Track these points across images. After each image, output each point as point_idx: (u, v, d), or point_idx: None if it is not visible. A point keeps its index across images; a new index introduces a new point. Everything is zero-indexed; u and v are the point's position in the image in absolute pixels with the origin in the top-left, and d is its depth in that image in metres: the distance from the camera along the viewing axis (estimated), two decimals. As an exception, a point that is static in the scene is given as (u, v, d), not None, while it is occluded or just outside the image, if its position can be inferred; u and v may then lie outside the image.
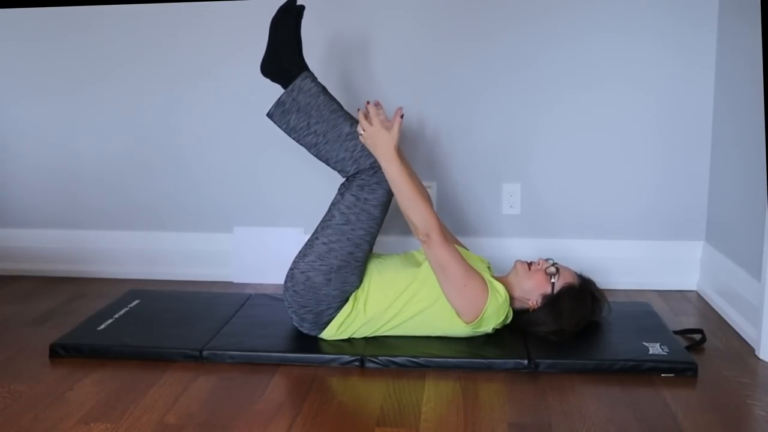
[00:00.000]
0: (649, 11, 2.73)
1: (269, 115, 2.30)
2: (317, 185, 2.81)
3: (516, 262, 2.35)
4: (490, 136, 2.86)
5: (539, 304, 2.28)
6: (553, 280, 2.27)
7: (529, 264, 2.33)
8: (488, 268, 2.41)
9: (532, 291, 2.28)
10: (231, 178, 2.98)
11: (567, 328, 2.24)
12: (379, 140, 2.18)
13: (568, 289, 2.27)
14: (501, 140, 2.86)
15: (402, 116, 2.21)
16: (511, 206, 2.89)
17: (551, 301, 2.26)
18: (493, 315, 2.21)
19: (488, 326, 2.24)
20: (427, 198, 2.32)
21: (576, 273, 2.34)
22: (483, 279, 2.21)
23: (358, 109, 2.25)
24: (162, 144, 2.99)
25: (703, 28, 2.72)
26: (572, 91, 2.80)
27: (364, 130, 2.20)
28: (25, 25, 2.97)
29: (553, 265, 2.30)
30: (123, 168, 3.02)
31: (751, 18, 2.38)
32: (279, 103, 2.28)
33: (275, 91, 2.34)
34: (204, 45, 2.90)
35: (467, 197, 2.91)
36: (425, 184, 2.89)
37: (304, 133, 2.27)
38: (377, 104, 2.27)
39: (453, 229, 2.90)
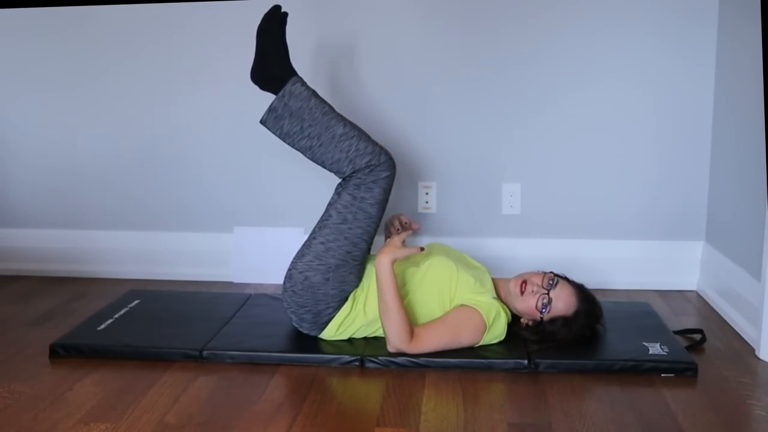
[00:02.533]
0: (650, 10, 2.73)
1: (262, 122, 2.30)
2: (317, 185, 2.81)
3: (511, 280, 2.29)
4: (490, 136, 2.86)
5: (530, 325, 2.26)
6: (542, 313, 2.22)
7: (524, 284, 2.24)
8: (487, 272, 2.39)
9: (522, 314, 2.27)
10: (231, 178, 2.98)
11: (558, 344, 2.22)
12: (391, 248, 2.19)
13: (558, 319, 2.22)
14: (501, 140, 2.86)
15: (422, 249, 2.25)
16: (511, 206, 2.89)
17: (540, 328, 2.23)
18: (495, 334, 2.22)
19: (495, 338, 2.23)
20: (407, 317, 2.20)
21: (575, 291, 2.25)
22: (470, 313, 2.18)
23: (392, 226, 2.47)
24: (162, 144, 2.99)
25: (704, 27, 2.72)
26: (572, 90, 2.80)
27: (390, 236, 2.39)
28: (25, 25, 2.97)
29: (548, 291, 2.22)
30: (123, 168, 3.02)
31: (752, 16, 2.38)
32: (271, 109, 2.28)
33: (275, 91, 2.35)
34: (205, 44, 2.90)
35: (467, 197, 2.91)
36: (425, 184, 2.90)
37: (298, 138, 2.28)
38: (408, 229, 2.41)
39: (453, 229, 2.90)
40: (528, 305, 2.23)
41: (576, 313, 2.22)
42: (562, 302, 2.22)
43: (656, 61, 2.75)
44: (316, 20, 2.83)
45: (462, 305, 2.21)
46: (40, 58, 2.98)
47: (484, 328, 2.19)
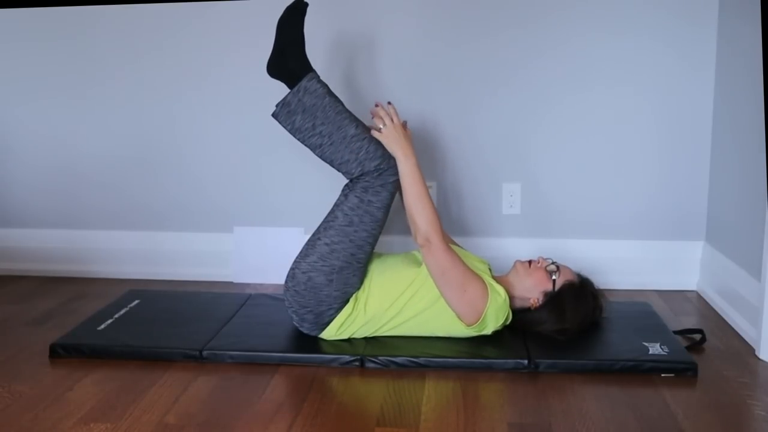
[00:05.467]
0: (650, 11, 2.73)
1: (274, 115, 2.30)
2: (318, 185, 2.81)
3: (515, 261, 2.37)
4: (490, 136, 2.86)
5: (541, 302, 2.28)
6: (554, 278, 2.28)
7: (529, 262, 2.35)
8: (489, 269, 2.41)
9: (533, 289, 2.29)
10: (231, 178, 2.98)
11: (571, 326, 2.25)
12: (399, 137, 2.24)
13: (569, 286, 2.28)
14: (501, 140, 2.86)
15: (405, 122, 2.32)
16: (511, 206, 2.89)
17: (553, 298, 2.27)
18: (493, 316, 2.21)
19: (488, 328, 2.24)
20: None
21: (575, 272, 2.35)
22: (483, 281, 2.21)
23: (374, 110, 2.30)
24: (162, 144, 2.99)
25: (703, 28, 2.72)
26: (572, 91, 2.80)
27: (384, 125, 2.25)
28: (26, 25, 2.97)
29: (553, 263, 2.32)
30: (123, 168, 3.02)
31: (751, 17, 2.38)
32: (284, 103, 2.27)
33: (275, 91, 2.35)
34: (205, 45, 2.90)
35: (467, 197, 2.91)
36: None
37: (309, 134, 2.27)
38: (391, 105, 2.31)
39: (453, 229, 2.90)
40: (539, 275, 2.29)
41: (582, 283, 2.32)
42: (568, 270, 2.33)
43: (656, 62, 2.75)
44: (332, 16, 2.80)
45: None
46: (41, 59, 2.98)
47: (486, 298, 2.18)
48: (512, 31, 2.79)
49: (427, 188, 2.23)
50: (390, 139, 2.24)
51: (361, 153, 2.24)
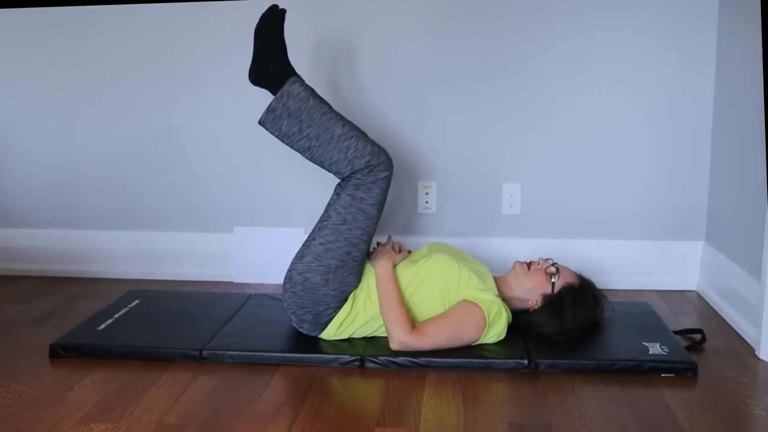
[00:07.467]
0: (650, 10, 2.73)
1: (261, 122, 2.30)
2: (317, 185, 2.80)
3: (515, 262, 2.36)
4: (490, 136, 2.86)
5: (540, 305, 2.28)
6: (553, 280, 2.27)
7: (529, 264, 2.34)
8: (488, 270, 2.40)
9: (532, 291, 2.29)
10: (231, 178, 2.98)
11: (571, 328, 2.24)
12: (382, 255, 2.33)
13: (568, 289, 2.27)
14: (501, 140, 2.86)
15: (409, 252, 2.42)
16: (511, 206, 2.89)
17: (552, 301, 2.27)
18: (496, 327, 2.22)
19: (495, 336, 2.24)
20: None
21: (575, 273, 2.34)
22: (469, 305, 2.20)
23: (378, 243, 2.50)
24: (162, 144, 2.99)
25: (704, 27, 2.72)
26: (572, 90, 2.80)
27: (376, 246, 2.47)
28: (26, 25, 2.97)
29: (553, 264, 2.31)
30: (123, 168, 3.02)
31: (752, 16, 2.38)
32: (269, 110, 2.28)
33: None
34: (205, 45, 2.90)
35: (467, 197, 2.91)
36: (425, 184, 2.90)
37: (297, 138, 2.27)
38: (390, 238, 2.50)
39: (453, 229, 2.90)
40: (538, 277, 2.29)
41: (582, 285, 2.31)
42: (568, 272, 2.32)
43: (656, 61, 2.75)
44: (315, 18, 2.83)
45: (464, 300, 2.22)
46: (41, 59, 2.98)
47: (484, 324, 2.19)
48: (511, 30, 2.79)
49: (398, 294, 2.22)
50: (382, 252, 2.37)
51: (350, 151, 2.24)
